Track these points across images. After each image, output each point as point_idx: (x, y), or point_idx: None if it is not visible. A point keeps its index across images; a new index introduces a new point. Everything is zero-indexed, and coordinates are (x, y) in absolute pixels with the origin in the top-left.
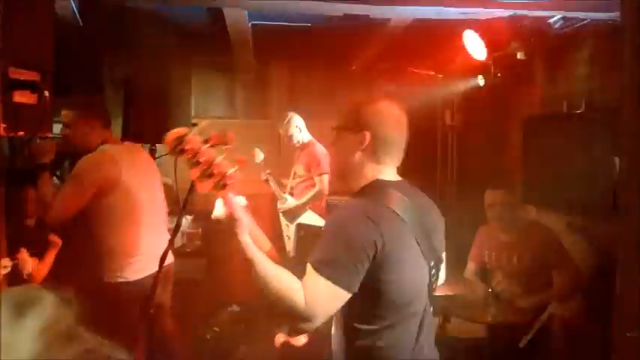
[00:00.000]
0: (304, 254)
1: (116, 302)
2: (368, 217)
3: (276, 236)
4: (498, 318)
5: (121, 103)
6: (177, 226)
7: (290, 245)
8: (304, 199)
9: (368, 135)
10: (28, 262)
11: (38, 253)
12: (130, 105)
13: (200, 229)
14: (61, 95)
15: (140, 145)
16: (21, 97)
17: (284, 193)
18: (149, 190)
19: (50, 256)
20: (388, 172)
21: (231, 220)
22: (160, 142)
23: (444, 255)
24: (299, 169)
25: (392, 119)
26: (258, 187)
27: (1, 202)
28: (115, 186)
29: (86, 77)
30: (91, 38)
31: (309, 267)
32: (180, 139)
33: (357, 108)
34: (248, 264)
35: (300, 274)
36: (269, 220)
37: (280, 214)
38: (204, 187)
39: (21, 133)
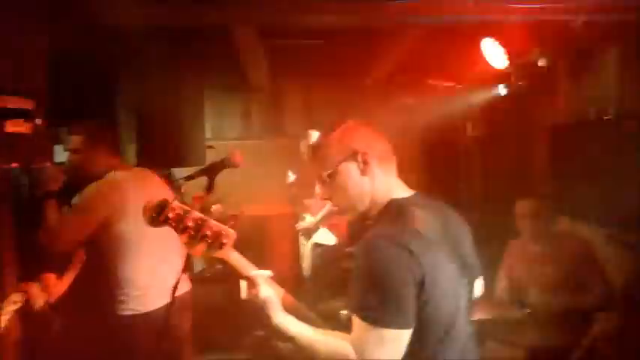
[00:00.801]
0: (317, 275)
1: (130, 336)
2: (398, 245)
3: (296, 257)
4: (538, 340)
5: (135, 128)
6: (188, 255)
7: (305, 264)
8: (317, 217)
9: (369, 152)
10: (40, 297)
11: (58, 270)
12: (142, 130)
13: None
14: (66, 121)
15: (151, 170)
16: (14, 126)
17: (305, 213)
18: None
19: (71, 274)
20: (398, 185)
21: (258, 301)
22: (174, 166)
23: (478, 265)
24: (317, 187)
25: (370, 130)
26: (284, 208)
27: (11, 233)
28: (122, 214)
29: (96, 102)
30: (101, 62)
31: (354, 318)
32: (162, 209)
33: (339, 137)
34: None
35: (314, 296)
36: (291, 240)
37: (300, 234)
38: (197, 251)
39: (15, 164)
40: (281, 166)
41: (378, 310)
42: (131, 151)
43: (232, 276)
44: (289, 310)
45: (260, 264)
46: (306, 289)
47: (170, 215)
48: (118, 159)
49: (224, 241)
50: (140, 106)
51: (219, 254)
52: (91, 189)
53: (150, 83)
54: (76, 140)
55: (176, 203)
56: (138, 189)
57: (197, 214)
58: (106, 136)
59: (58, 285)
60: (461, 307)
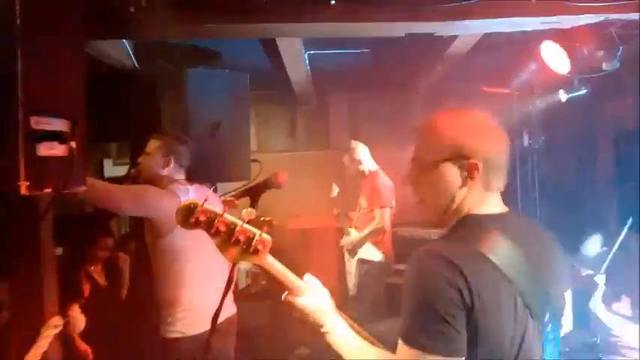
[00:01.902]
0: (363, 291)
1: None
2: (451, 263)
3: (340, 273)
4: None
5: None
6: (230, 280)
7: (351, 282)
8: (363, 234)
9: (480, 164)
10: (80, 320)
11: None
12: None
13: None
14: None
15: (207, 187)
16: (47, 149)
17: (350, 227)
18: (194, 245)
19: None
20: (491, 199)
21: (298, 311)
22: (219, 181)
23: (567, 303)
24: (362, 200)
25: (496, 135)
26: (328, 221)
27: (52, 257)
28: (173, 228)
29: (142, 120)
30: (147, 80)
31: (399, 342)
32: (192, 210)
33: (455, 128)
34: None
35: (360, 314)
36: (335, 255)
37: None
38: (230, 256)
39: (48, 190)
40: (326, 179)
41: (421, 334)
42: None
43: (277, 293)
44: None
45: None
46: (352, 307)
47: (201, 218)
48: (183, 175)
49: (259, 246)
50: (185, 121)
51: (253, 260)
52: (152, 187)
53: (194, 98)
54: (152, 144)
55: (207, 206)
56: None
57: (230, 218)
58: (178, 149)
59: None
60: (523, 348)
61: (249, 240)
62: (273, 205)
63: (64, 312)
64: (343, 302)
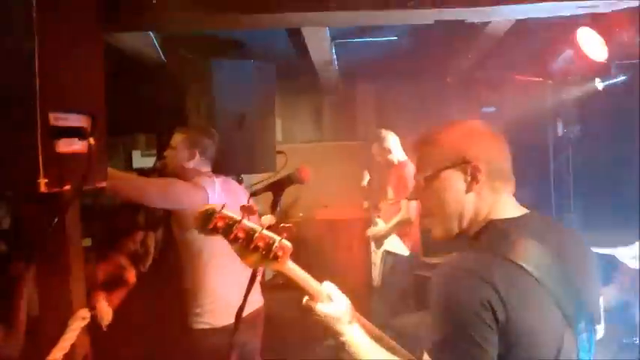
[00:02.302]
0: (389, 284)
1: (203, 351)
2: (479, 276)
3: (367, 265)
4: None
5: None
6: (253, 276)
7: (375, 273)
8: (389, 225)
9: (482, 166)
10: (108, 313)
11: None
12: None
13: None
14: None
15: (233, 180)
16: (66, 146)
17: (377, 217)
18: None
19: (120, 294)
20: (507, 203)
21: (317, 318)
22: (244, 172)
23: (601, 308)
24: (390, 191)
25: (495, 140)
26: (356, 212)
27: (80, 250)
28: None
29: (168, 112)
30: (173, 72)
31: (426, 357)
32: (210, 216)
33: (453, 137)
34: None
35: (384, 308)
36: (362, 246)
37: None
38: (250, 262)
39: (67, 187)
40: (353, 170)
41: (446, 349)
42: None
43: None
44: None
45: (330, 270)
46: (376, 299)
47: (219, 224)
48: (209, 168)
49: (278, 253)
50: (209, 112)
51: (273, 266)
52: (178, 181)
53: (219, 89)
54: (177, 138)
55: (225, 212)
56: (221, 198)
57: (249, 225)
58: (203, 142)
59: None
60: (561, 359)
61: (269, 246)
62: (300, 197)
63: (91, 304)
64: (368, 294)
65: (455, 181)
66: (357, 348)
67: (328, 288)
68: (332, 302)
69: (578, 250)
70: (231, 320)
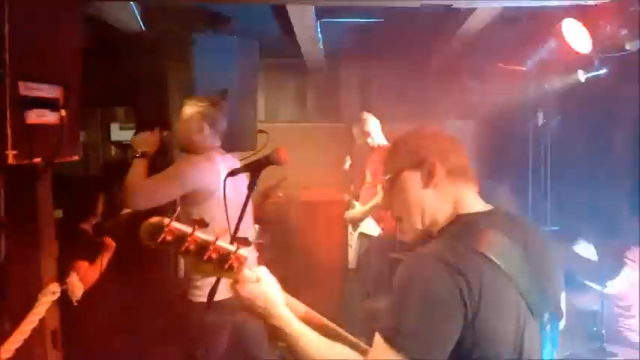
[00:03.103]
0: (363, 267)
1: (202, 324)
2: (449, 265)
3: (344, 247)
4: None
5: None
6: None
7: (351, 255)
8: (365, 208)
9: (437, 163)
10: (79, 287)
11: (90, 257)
12: None
13: (268, 240)
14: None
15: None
16: (37, 117)
17: (354, 200)
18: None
19: (103, 260)
20: (471, 199)
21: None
22: (225, 150)
23: (563, 303)
24: (368, 174)
25: (451, 141)
26: (336, 194)
27: (52, 222)
28: (210, 196)
29: (150, 87)
30: (154, 44)
31: (377, 337)
32: (158, 230)
33: (410, 141)
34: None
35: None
36: (340, 228)
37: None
38: (203, 273)
39: (37, 160)
40: (335, 152)
41: (408, 336)
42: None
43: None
44: (312, 324)
45: (307, 251)
46: (351, 281)
47: (168, 238)
48: (219, 142)
49: (234, 264)
50: (189, 89)
51: (229, 277)
52: (188, 160)
53: (200, 65)
54: (186, 110)
55: (174, 225)
56: (218, 174)
57: (200, 237)
58: (213, 115)
59: (89, 272)
60: (525, 348)
61: (223, 257)
62: (280, 177)
63: (62, 278)
64: (344, 276)
65: (413, 180)
66: (291, 330)
67: (258, 271)
68: (259, 284)
69: (542, 246)
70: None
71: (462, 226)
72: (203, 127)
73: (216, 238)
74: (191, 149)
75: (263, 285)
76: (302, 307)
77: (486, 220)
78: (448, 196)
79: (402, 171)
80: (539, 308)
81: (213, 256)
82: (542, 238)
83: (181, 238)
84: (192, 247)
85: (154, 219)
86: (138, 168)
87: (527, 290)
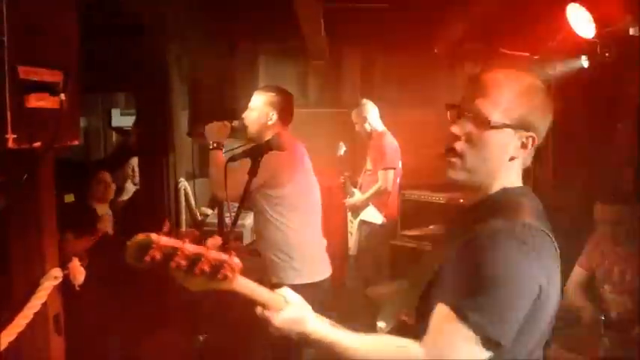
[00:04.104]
0: (364, 254)
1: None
2: (529, 248)
3: (344, 234)
4: (612, 353)
5: (187, 94)
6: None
7: (351, 242)
8: (366, 195)
9: (535, 138)
10: (80, 272)
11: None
12: (195, 97)
13: None
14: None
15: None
16: (37, 101)
17: (354, 187)
18: (310, 195)
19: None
20: (519, 171)
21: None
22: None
23: None
24: (368, 161)
25: (549, 112)
26: (333, 180)
27: (53, 207)
28: (289, 180)
29: (148, 71)
30: (155, 31)
31: (444, 310)
32: (145, 248)
33: (521, 100)
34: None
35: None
36: (340, 215)
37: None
38: (195, 286)
39: (37, 144)
40: (336, 138)
41: (485, 314)
42: (184, 117)
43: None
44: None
45: None
46: (352, 268)
47: (157, 256)
48: (287, 128)
49: (228, 273)
50: (193, 73)
51: (222, 286)
52: (278, 158)
53: (203, 49)
54: (255, 99)
55: (163, 240)
56: (301, 160)
57: (191, 249)
58: (281, 104)
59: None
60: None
61: (216, 268)
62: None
63: (64, 263)
64: (345, 263)
65: (506, 141)
66: (333, 338)
67: (283, 292)
68: (289, 305)
69: None
70: (322, 276)
71: (510, 200)
72: (273, 116)
73: (209, 249)
74: (258, 137)
75: (294, 309)
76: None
77: (523, 194)
78: (515, 168)
79: (500, 126)
80: None
81: (206, 267)
82: None
83: (171, 253)
84: (182, 262)
85: (140, 237)
86: (217, 159)
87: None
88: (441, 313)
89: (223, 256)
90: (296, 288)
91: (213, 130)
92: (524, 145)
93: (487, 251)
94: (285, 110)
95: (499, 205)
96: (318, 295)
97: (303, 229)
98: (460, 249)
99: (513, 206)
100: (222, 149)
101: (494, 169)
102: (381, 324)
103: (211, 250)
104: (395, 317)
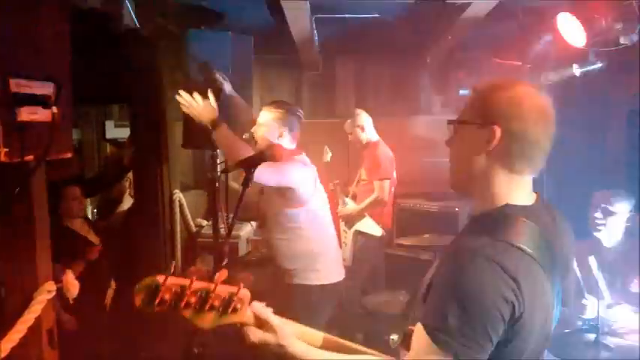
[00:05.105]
0: (360, 264)
1: (323, 305)
2: (501, 269)
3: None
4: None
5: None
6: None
7: (346, 253)
8: (362, 205)
9: (498, 130)
10: (74, 286)
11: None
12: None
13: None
14: (109, 102)
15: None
16: (29, 114)
17: (346, 196)
18: (324, 207)
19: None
20: (523, 187)
21: (268, 337)
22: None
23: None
24: (362, 172)
25: (533, 109)
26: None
27: (46, 219)
28: (311, 196)
29: (142, 82)
30: (148, 41)
31: (420, 328)
32: (154, 291)
33: (484, 95)
34: None
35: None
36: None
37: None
38: (207, 323)
39: (29, 157)
40: (331, 147)
41: (454, 336)
42: (178, 128)
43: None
44: (333, 348)
45: None
46: (347, 279)
47: (167, 297)
48: (295, 144)
49: (237, 306)
50: (186, 84)
51: (233, 319)
52: (298, 171)
53: (194, 61)
54: (265, 115)
55: (170, 280)
56: (313, 175)
57: (199, 285)
58: (290, 120)
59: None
60: (549, 339)
61: (226, 302)
62: None
63: (57, 277)
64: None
65: (469, 138)
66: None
67: (262, 311)
68: (268, 325)
69: (567, 236)
70: (338, 278)
71: (506, 218)
72: (283, 131)
73: (217, 284)
74: (272, 152)
75: (272, 326)
76: (318, 335)
77: (528, 212)
78: (501, 173)
79: (464, 124)
80: (557, 300)
81: (216, 303)
82: (567, 230)
83: (180, 292)
84: (192, 299)
85: (147, 280)
86: (222, 134)
87: (554, 282)
88: (418, 331)
89: (232, 289)
90: (315, 288)
91: (202, 110)
92: (487, 139)
93: (456, 269)
94: (294, 126)
95: (490, 221)
96: (335, 295)
97: (322, 233)
98: (439, 265)
99: (502, 225)
100: (220, 125)
101: (472, 173)
102: (393, 336)
103: (219, 284)
104: (405, 329)
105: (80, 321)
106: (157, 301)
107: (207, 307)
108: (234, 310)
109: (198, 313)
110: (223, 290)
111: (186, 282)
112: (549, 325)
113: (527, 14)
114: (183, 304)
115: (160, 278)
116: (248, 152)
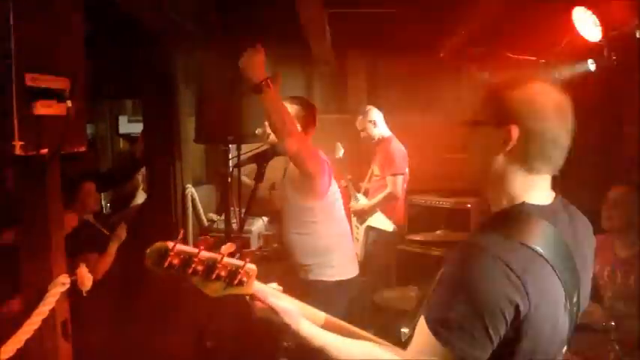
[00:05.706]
0: (371, 259)
1: (338, 301)
2: (508, 268)
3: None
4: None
5: (193, 101)
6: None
7: (358, 248)
8: (374, 201)
9: (515, 130)
10: (88, 278)
11: (99, 248)
12: (201, 105)
13: (278, 231)
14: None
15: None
16: (44, 108)
17: (358, 192)
18: (339, 202)
19: (112, 250)
20: (541, 187)
21: (274, 315)
22: (234, 142)
23: (589, 290)
24: (375, 167)
25: (550, 108)
26: (342, 185)
27: (60, 212)
28: (328, 187)
29: (156, 77)
30: (161, 36)
31: (422, 322)
32: (164, 255)
33: (499, 95)
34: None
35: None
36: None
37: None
38: (212, 291)
39: (44, 150)
40: (342, 143)
41: (450, 327)
42: (190, 124)
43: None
44: (334, 330)
45: None
46: (359, 274)
47: (175, 261)
48: (309, 139)
49: (243, 279)
50: (198, 80)
51: (239, 291)
52: (317, 164)
53: (208, 55)
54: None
55: (179, 247)
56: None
57: (207, 255)
58: (303, 115)
59: (100, 263)
60: (564, 341)
61: (233, 274)
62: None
63: (71, 270)
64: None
65: (486, 139)
66: (314, 346)
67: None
68: (275, 300)
69: (587, 239)
70: (353, 274)
71: (522, 216)
72: (299, 125)
73: (223, 255)
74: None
75: (279, 302)
76: (321, 314)
77: (547, 217)
78: (519, 172)
79: (480, 124)
80: (573, 306)
81: (222, 273)
82: (588, 232)
83: (188, 259)
84: (199, 267)
85: (157, 244)
86: (270, 98)
87: (569, 287)
88: (421, 325)
89: (238, 262)
90: (331, 284)
91: (249, 63)
92: (505, 140)
93: (463, 265)
94: (309, 121)
95: (504, 219)
96: (350, 291)
97: (338, 229)
98: (445, 260)
99: (516, 223)
100: (269, 85)
101: (490, 174)
102: (404, 329)
103: (226, 256)
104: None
105: (92, 315)
106: (165, 264)
107: (213, 276)
108: (240, 282)
109: (204, 280)
110: (230, 262)
111: (194, 251)
112: (562, 326)
113: (541, 8)
114: (190, 270)
115: (170, 244)
116: (294, 125)
